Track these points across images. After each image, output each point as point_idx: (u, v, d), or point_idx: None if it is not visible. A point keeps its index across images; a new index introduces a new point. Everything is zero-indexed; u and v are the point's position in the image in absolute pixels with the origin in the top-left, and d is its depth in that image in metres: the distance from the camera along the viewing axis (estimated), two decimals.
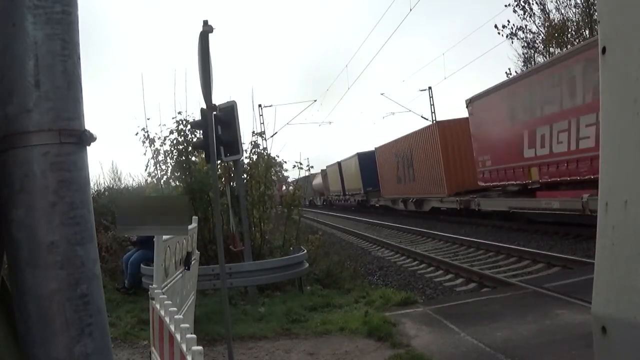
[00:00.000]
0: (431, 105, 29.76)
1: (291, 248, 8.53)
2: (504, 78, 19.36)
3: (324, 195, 44.22)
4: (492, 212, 14.86)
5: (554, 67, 11.79)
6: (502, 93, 14.00)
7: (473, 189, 16.41)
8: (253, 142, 9.15)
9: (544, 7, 22.43)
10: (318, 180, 43.19)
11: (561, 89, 11.42)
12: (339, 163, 34.53)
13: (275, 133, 18.94)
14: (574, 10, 21.54)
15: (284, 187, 12.80)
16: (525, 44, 23.43)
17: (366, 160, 28.14)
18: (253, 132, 9.45)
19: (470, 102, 15.78)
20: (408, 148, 21.46)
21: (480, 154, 15.43)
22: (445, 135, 17.96)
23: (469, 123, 16.04)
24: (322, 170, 40.75)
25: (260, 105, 26.38)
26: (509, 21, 24.18)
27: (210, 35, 4.42)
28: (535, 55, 23.31)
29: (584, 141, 10.82)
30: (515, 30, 23.05)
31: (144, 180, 10.95)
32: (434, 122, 19.73)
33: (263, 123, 18.64)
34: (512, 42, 23.69)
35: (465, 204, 16.28)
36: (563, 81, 11.37)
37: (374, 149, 27.58)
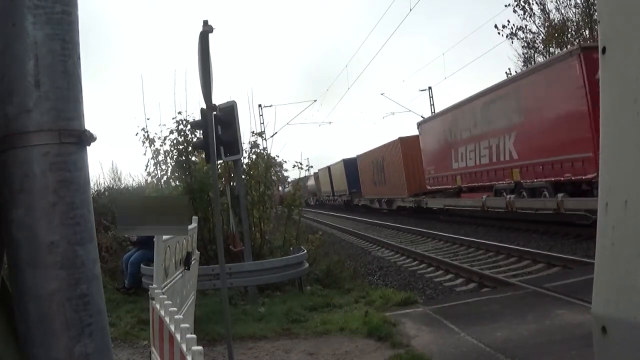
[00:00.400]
0: (431, 105, 29.78)
1: (291, 248, 8.53)
2: (504, 78, 19.43)
3: (316, 196, 46.94)
4: (437, 209, 19.83)
5: (467, 105, 16.49)
6: (439, 120, 19.28)
7: (427, 191, 20.76)
8: (252, 142, 9.15)
9: (544, 7, 22.44)
10: (311, 182, 44.34)
11: (470, 121, 16.15)
12: (328, 167, 37.72)
13: (275, 133, 18.91)
14: (574, 10, 21.55)
15: (280, 188, 12.81)
16: (525, 44, 23.45)
17: (350, 166, 31.82)
18: (252, 132, 9.45)
19: (419, 125, 21.41)
20: (380, 157, 25.58)
21: (427, 165, 20.35)
22: (406, 149, 22.15)
23: (420, 141, 21.06)
24: (314, 173, 41.60)
25: (260, 105, 26.48)
26: (509, 21, 24.13)
27: (210, 35, 4.42)
28: (535, 55, 23.32)
29: (483, 158, 15.50)
30: (515, 30, 23.07)
31: (144, 180, 10.95)
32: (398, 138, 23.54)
33: (263, 123, 18.64)
34: (512, 42, 23.71)
35: (417, 202, 21.15)
36: (470, 116, 16.09)
37: (356, 156, 31.60)
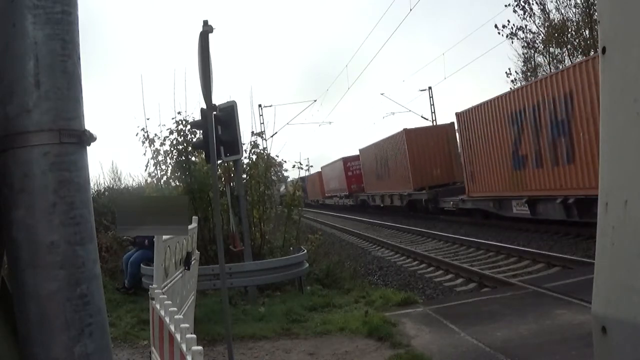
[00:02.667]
0: (431, 105, 29.89)
1: (291, 248, 8.53)
2: (504, 78, 19.50)
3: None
4: (335, 204, 37.90)
5: (329, 166, 38.07)
6: (325, 168, 39.35)
7: (326, 197, 40.76)
8: (252, 142, 9.15)
9: (544, 7, 22.44)
10: (283, 188, 51.23)
11: (332, 172, 36.86)
12: (293, 180, 50.23)
13: (275, 133, 18.90)
14: (574, 10, 21.54)
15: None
16: (525, 44, 23.47)
17: (304, 180, 51.11)
18: (252, 133, 9.44)
19: (322, 168, 40.50)
20: (313, 178, 42.96)
21: (325, 185, 40.10)
22: (321, 177, 40.89)
23: (322, 175, 41.02)
24: (286, 182, 47.29)
25: (260, 105, 26.47)
26: (509, 21, 24.17)
27: (210, 35, 4.43)
28: (535, 55, 23.34)
29: (337, 184, 35.85)
30: (515, 30, 23.09)
31: (144, 180, 10.96)
32: (317, 172, 41.57)
33: (263, 123, 18.59)
34: (512, 42, 23.75)
35: (322, 201, 41.76)
36: (331, 170, 37.33)
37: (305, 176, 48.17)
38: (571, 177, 11.53)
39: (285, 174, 12.39)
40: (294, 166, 10.21)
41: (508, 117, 13.96)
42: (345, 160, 32.57)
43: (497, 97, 14.79)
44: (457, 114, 17.51)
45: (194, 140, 8.26)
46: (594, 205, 9.37)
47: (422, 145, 20.51)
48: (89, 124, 1.44)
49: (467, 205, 17.20)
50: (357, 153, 30.79)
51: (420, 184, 20.26)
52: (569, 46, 21.83)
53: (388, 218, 23.14)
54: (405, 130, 21.17)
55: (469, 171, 16.76)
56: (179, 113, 8.73)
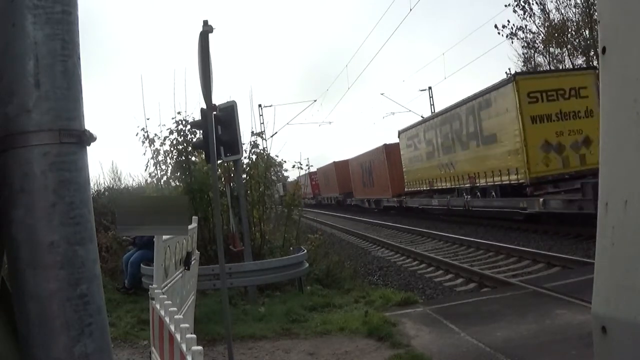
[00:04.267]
0: (431, 105, 30.05)
1: (291, 248, 8.53)
2: (504, 77, 19.51)
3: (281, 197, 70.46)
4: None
5: (302, 176, 34.19)
6: (301, 178, 38.98)
7: (305, 198, 42.62)
8: (252, 142, 9.14)
9: (544, 7, 22.49)
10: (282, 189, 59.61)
11: (304, 182, 34.69)
12: (280, 184, 57.43)
13: (275, 133, 18.88)
14: (574, 10, 21.59)
15: None
16: (525, 44, 23.52)
17: (285, 185, 53.68)
18: (252, 132, 9.44)
19: (297, 177, 43.45)
20: (300, 181, 47.85)
21: (305, 190, 44.37)
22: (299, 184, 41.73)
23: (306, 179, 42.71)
24: (278, 184, 55.35)
25: (260, 105, 26.49)
26: (509, 21, 24.19)
27: (210, 35, 4.43)
28: (535, 55, 23.36)
29: (306, 191, 35.66)
30: (515, 30, 23.16)
31: (144, 180, 10.96)
32: (294, 179, 44.53)
33: (263, 123, 18.55)
34: (512, 42, 23.81)
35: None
36: (302, 180, 36.10)
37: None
38: (373, 191, 29.19)
39: (285, 174, 12.38)
40: (293, 166, 10.22)
41: (360, 165, 31.50)
42: (310, 174, 50.31)
43: (359, 155, 32.39)
44: (348, 160, 35.04)
45: (194, 140, 8.26)
46: (381, 202, 31.67)
47: (344, 169, 35.46)
48: (89, 124, 1.44)
49: (353, 202, 34.75)
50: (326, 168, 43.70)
51: (342, 191, 36.58)
52: (568, 46, 21.86)
53: (388, 218, 23.14)
54: (334, 162, 37.95)
55: (354, 186, 33.87)
56: (179, 113, 8.73)
